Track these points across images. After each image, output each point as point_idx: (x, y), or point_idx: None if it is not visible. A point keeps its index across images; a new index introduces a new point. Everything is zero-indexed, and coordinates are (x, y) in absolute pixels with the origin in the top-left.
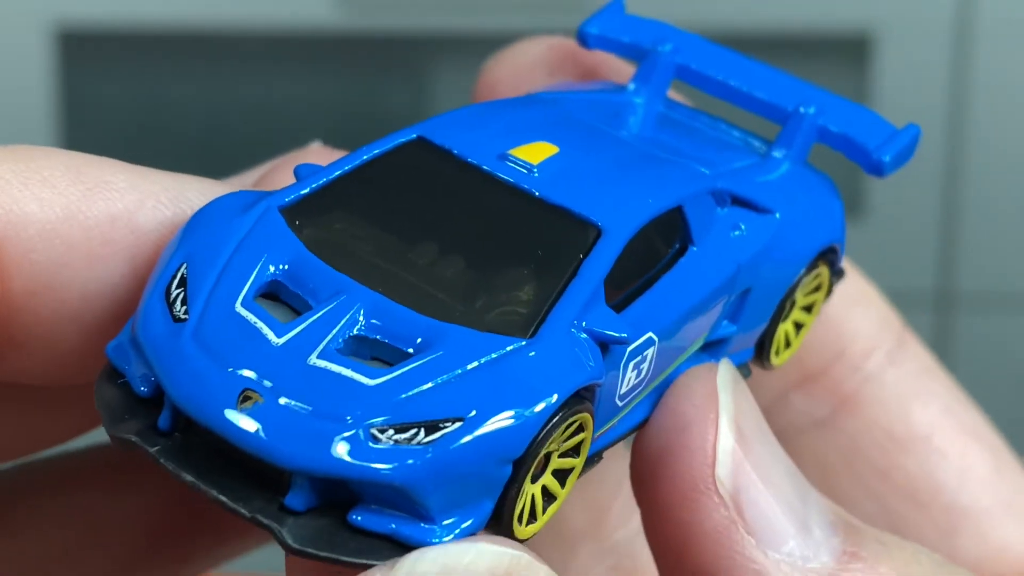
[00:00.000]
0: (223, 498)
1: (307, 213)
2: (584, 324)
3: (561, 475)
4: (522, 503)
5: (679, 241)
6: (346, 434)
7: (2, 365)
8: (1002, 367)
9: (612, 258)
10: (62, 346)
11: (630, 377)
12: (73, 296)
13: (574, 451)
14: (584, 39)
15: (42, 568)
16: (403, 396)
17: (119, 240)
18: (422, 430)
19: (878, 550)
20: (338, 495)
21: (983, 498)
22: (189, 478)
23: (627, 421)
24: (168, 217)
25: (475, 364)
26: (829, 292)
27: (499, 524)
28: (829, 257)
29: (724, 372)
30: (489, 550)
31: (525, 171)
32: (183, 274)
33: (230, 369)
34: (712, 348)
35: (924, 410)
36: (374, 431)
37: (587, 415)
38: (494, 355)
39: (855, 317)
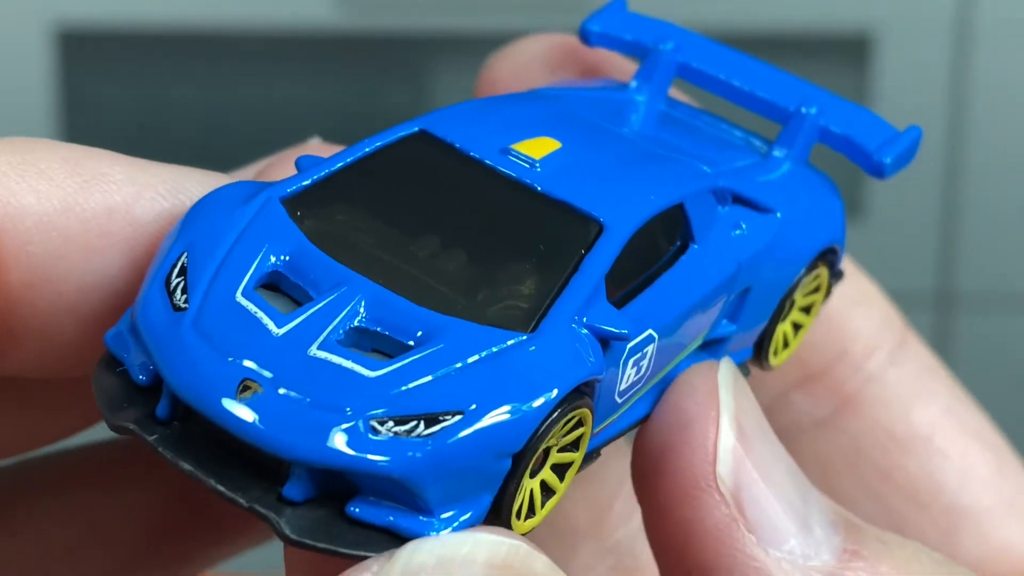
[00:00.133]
0: (221, 487)
1: (308, 204)
2: (585, 320)
3: (560, 470)
4: (521, 497)
5: (680, 239)
6: (345, 425)
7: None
8: (1002, 367)
9: (614, 254)
10: (59, 338)
11: (630, 374)
12: (70, 288)
13: (573, 445)
14: (586, 36)
15: (42, 567)
16: (403, 388)
17: (116, 232)
18: (422, 423)
19: (879, 549)
20: (336, 486)
21: (984, 498)
22: (187, 467)
23: (626, 418)
24: (166, 209)
25: (475, 358)
26: (828, 294)
27: (498, 518)
28: (829, 258)
29: (725, 370)
30: (487, 540)
31: (527, 166)
32: (183, 263)
33: (230, 358)
34: (711, 347)
35: (925, 410)
36: (373, 423)
37: (587, 410)
38: (495, 349)
39: (857, 317)
